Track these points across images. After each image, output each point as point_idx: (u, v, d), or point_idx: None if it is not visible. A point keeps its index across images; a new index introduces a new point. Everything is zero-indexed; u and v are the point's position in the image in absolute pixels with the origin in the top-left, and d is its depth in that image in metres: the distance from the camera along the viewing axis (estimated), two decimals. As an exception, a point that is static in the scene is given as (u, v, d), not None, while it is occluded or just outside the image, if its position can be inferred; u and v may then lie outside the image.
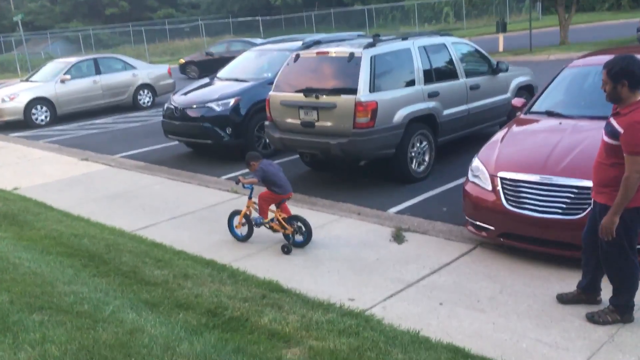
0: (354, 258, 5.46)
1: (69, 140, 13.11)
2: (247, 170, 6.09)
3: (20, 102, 15.20)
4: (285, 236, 5.77)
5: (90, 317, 3.93)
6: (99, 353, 3.40)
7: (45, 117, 15.58)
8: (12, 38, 43.36)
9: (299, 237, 5.77)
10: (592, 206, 4.10)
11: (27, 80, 16.89)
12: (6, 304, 4.08)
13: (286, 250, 5.66)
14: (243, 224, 6.00)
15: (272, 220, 5.85)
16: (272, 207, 5.96)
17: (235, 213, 6.08)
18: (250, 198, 6.01)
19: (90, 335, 3.61)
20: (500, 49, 23.67)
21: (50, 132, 14.47)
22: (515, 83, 9.42)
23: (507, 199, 5.04)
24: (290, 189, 5.94)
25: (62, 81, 15.86)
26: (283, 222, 5.70)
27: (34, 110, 15.37)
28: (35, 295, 4.28)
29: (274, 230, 5.83)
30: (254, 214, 5.97)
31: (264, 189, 5.97)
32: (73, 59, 17.16)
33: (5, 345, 3.48)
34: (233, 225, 6.07)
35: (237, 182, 5.98)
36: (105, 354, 3.40)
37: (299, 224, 5.72)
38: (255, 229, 5.99)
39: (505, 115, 9.21)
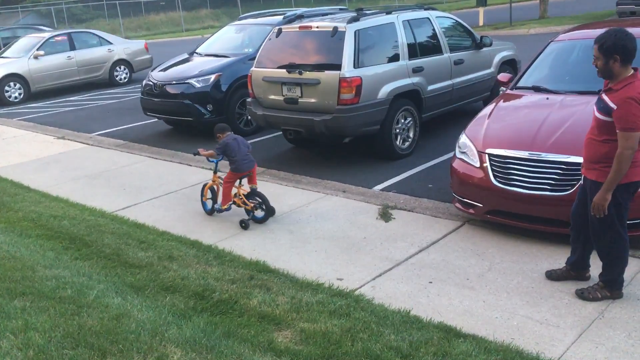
0: (341, 236, 5.40)
1: (44, 117, 12.78)
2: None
3: (-8, 79, 14.76)
4: (247, 212, 5.83)
5: (74, 302, 3.83)
6: (84, 340, 3.31)
7: (19, 94, 15.17)
8: (-19, 12, 42.05)
9: (259, 213, 5.82)
10: (581, 182, 4.07)
11: (-2, 56, 16.39)
12: (-15, 290, 3.96)
13: (244, 225, 5.72)
14: (209, 198, 6.15)
15: (235, 195, 5.90)
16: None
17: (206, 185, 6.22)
18: (215, 172, 6.11)
19: (74, 322, 3.51)
20: (481, 23, 23.59)
21: (25, 109, 14.10)
22: (498, 58, 9.36)
23: (495, 176, 5.00)
24: (248, 169, 5.85)
25: (36, 57, 15.42)
26: (244, 198, 5.79)
27: (6, 87, 14.95)
28: (16, 280, 4.16)
29: (238, 206, 5.88)
30: (218, 206, 6.04)
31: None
32: (46, 34, 16.66)
33: (-14, 334, 3.37)
34: (202, 197, 6.24)
35: (195, 154, 6.06)
36: (92, 340, 3.31)
37: (258, 199, 5.78)
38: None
39: (489, 91, 9.18)
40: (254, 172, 5.97)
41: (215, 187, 6.14)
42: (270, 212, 5.83)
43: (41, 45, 15.68)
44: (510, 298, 4.12)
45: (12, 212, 6.07)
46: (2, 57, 16.01)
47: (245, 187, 5.96)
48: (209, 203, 6.17)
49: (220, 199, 6.04)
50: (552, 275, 4.32)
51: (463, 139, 5.49)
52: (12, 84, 15.03)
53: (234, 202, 5.91)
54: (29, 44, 16.00)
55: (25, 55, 15.47)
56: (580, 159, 4.12)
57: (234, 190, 5.92)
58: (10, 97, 14.99)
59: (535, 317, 3.86)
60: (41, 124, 11.98)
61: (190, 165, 8.13)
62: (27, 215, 5.95)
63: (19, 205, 6.38)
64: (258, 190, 5.90)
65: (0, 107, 14.56)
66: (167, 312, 3.79)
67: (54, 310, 3.67)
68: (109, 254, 4.88)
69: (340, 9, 10.61)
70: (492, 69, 9.16)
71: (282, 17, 9.86)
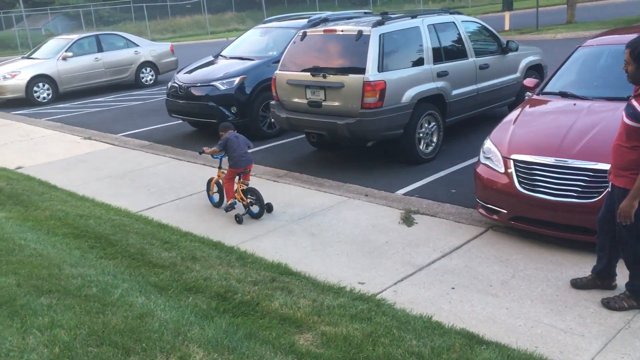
0: (362, 240, 5.40)
1: (72, 118, 13.00)
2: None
3: (22, 80, 15.08)
4: (244, 207, 6.14)
5: (99, 300, 3.88)
6: (109, 338, 3.35)
7: (47, 94, 15.45)
8: (12, 14, 42.94)
9: (255, 208, 6.12)
10: (609, 189, 4.01)
11: (28, 57, 16.72)
12: (13, 286, 4.03)
13: (238, 219, 6.03)
14: (216, 192, 6.53)
15: (235, 191, 6.20)
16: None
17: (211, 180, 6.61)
18: (219, 168, 6.52)
19: (99, 320, 3.56)
20: (506, 27, 23.37)
21: (53, 110, 14.36)
22: (524, 62, 9.27)
23: (520, 182, 4.95)
24: (245, 165, 6.15)
25: (64, 58, 15.70)
26: (241, 194, 6.13)
27: (35, 88, 15.25)
28: (43, 277, 4.23)
29: (239, 201, 6.18)
30: (224, 204, 6.33)
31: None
32: (74, 36, 16.96)
33: (14, 330, 3.44)
34: (209, 190, 6.61)
35: (201, 152, 6.41)
36: (116, 339, 3.35)
37: (253, 197, 6.11)
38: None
39: (514, 96, 9.10)
40: (249, 170, 6.29)
41: (220, 181, 6.42)
42: (267, 208, 6.17)
43: (69, 46, 15.96)
44: (534, 306, 4.07)
45: (40, 211, 6.18)
46: (31, 58, 16.34)
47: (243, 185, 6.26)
48: (216, 197, 6.54)
49: (225, 197, 6.32)
50: (578, 284, 4.26)
51: (487, 144, 5.44)
52: (40, 84, 15.32)
53: (235, 198, 6.19)
54: (57, 46, 16.31)
55: (53, 57, 15.76)
56: (607, 166, 4.06)
57: (235, 187, 6.22)
58: (39, 97, 15.28)
59: (560, 326, 3.81)
60: (68, 124, 12.19)
61: (214, 167, 8.18)
62: (55, 214, 6.05)
63: (46, 204, 6.49)
64: (252, 187, 6.23)
65: (29, 107, 14.85)
66: (189, 312, 3.82)
67: (80, 308, 3.73)
68: (134, 254, 4.94)
69: (365, 13, 10.62)
70: (517, 74, 9.07)
71: (306, 20, 9.90)
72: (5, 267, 4.40)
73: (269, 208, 6.20)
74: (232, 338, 3.48)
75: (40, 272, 4.33)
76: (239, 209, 6.18)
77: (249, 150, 6.22)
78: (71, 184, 7.68)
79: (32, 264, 4.50)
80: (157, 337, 3.41)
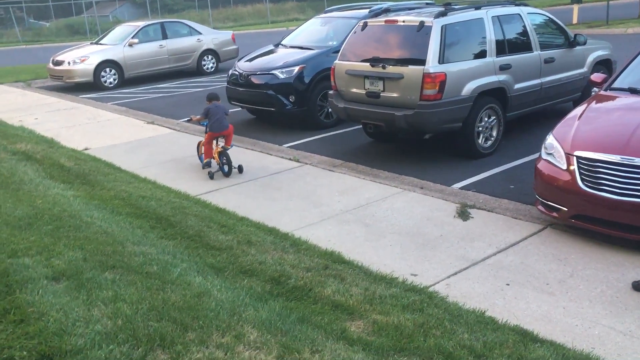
0: (416, 233, 5.38)
1: (136, 103, 13.43)
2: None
3: (91, 65, 15.65)
4: (218, 166, 7.35)
5: (159, 278, 4.03)
6: (168, 314, 3.48)
7: (114, 79, 15.99)
8: (82, 1, 44.57)
9: (225, 168, 7.29)
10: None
11: (96, 43, 17.33)
12: (80, 261, 4.24)
13: (210, 175, 7.27)
14: (203, 153, 7.65)
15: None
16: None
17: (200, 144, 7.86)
18: (206, 132, 7.58)
19: (159, 296, 3.70)
20: (574, 20, 22.58)
21: (118, 94, 14.87)
22: (592, 57, 8.95)
23: (582, 179, 4.81)
24: (222, 129, 7.36)
25: (130, 45, 16.19)
26: (216, 156, 7.38)
27: (103, 73, 15.80)
28: (107, 254, 4.42)
29: (216, 163, 7.39)
30: (201, 159, 7.66)
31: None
32: (141, 23, 17.44)
33: (80, 301, 3.62)
34: (198, 151, 7.89)
35: (189, 120, 8.02)
36: (175, 315, 3.48)
37: (225, 159, 7.29)
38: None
39: (580, 91, 8.82)
40: (230, 135, 7.47)
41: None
42: (238, 169, 7.40)
43: (136, 33, 16.46)
44: (592, 306, 3.97)
45: (105, 191, 6.44)
46: (99, 44, 16.93)
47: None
48: (204, 157, 7.61)
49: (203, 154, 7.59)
50: (639, 286, 4.13)
51: (550, 139, 5.31)
52: (107, 69, 15.87)
53: (212, 158, 7.42)
54: (124, 32, 16.83)
55: (120, 43, 16.28)
56: (677, 166, 3.90)
57: (213, 148, 7.47)
58: (105, 82, 15.84)
59: (619, 328, 3.70)
60: (133, 109, 12.61)
61: (271, 155, 8.32)
62: (119, 194, 6.29)
63: (111, 184, 6.76)
64: (227, 152, 7.35)
65: (96, 91, 15.42)
66: (244, 294, 3.92)
67: (141, 284, 3.89)
68: (192, 235, 5.09)
69: (427, 4, 10.47)
70: (584, 69, 8.77)
71: (367, 10, 9.86)
72: (73, 242, 4.63)
73: (239, 169, 7.39)
74: (285, 321, 3.55)
75: (105, 249, 4.52)
76: (214, 168, 7.41)
77: (227, 116, 7.41)
78: (134, 166, 7.96)
79: (98, 241, 4.71)
80: (214, 316, 3.52)
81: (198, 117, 7.57)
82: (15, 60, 25.58)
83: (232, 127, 7.53)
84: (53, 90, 16.04)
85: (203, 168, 7.51)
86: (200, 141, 7.81)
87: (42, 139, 9.61)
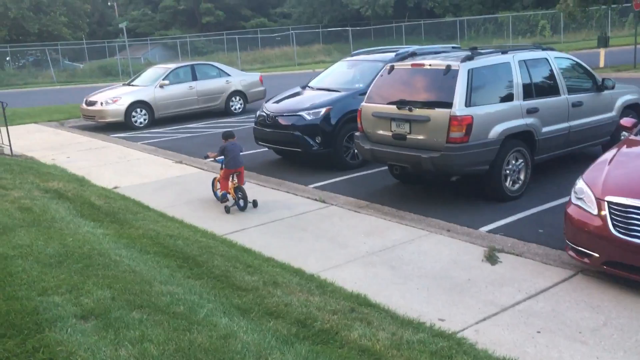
0: (443, 276, 5.31)
1: (165, 142, 13.69)
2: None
3: (122, 105, 16.05)
4: (234, 201, 7.67)
5: (186, 318, 4.03)
6: (194, 356, 3.47)
7: (144, 119, 16.35)
8: (115, 44, 46.08)
9: (241, 203, 7.60)
10: None
11: (128, 84, 17.82)
12: (108, 300, 4.27)
13: (226, 209, 7.59)
14: (219, 189, 7.97)
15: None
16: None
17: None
18: (222, 169, 7.89)
19: (186, 337, 3.70)
20: (601, 64, 22.54)
21: (148, 134, 15.18)
22: (621, 101, 8.90)
23: (614, 225, 4.73)
24: (238, 166, 7.70)
25: (161, 86, 16.60)
26: (232, 191, 7.73)
27: (134, 113, 16.18)
28: (135, 293, 4.44)
29: (232, 197, 7.72)
30: (217, 192, 8.04)
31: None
32: (172, 65, 17.92)
33: (107, 341, 3.63)
34: (213, 187, 8.24)
35: (205, 157, 8.35)
36: (201, 357, 3.46)
37: (240, 194, 7.62)
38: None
39: (609, 135, 8.74)
40: (242, 173, 7.82)
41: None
42: (253, 204, 7.68)
43: (167, 75, 16.90)
44: (627, 357, 3.85)
45: (134, 229, 6.52)
46: (131, 85, 17.41)
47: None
48: (219, 193, 7.94)
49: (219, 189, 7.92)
50: (677, 337, 4.00)
51: (580, 184, 5.25)
52: (138, 109, 16.25)
53: (228, 193, 7.73)
54: (156, 74, 17.30)
55: (151, 84, 16.71)
56: None
57: (229, 185, 7.78)
58: (136, 122, 16.20)
59: (656, 381, 3.58)
60: (162, 148, 12.84)
61: (297, 195, 8.35)
62: (147, 233, 6.36)
63: (139, 223, 6.84)
64: (241, 187, 7.70)
65: (127, 130, 15.77)
66: (270, 336, 3.89)
67: (168, 325, 3.89)
68: (218, 275, 5.10)
69: (453, 47, 10.59)
70: (613, 113, 8.72)
71: (394, 54, 10.00)
72: (102, 280, 4.67)
73: (254, 204, 7.68)
74: (312, 365, 3.51)
75: (133, 288, 4.55)
76: (230, 202, 7.69)
77: (242, 153, 7.78)
78: (162, 204, 8.06)
79: (126, 280, 4.74)
80: (240, 359, 3.49)
81: (215, 153, 7.89)
82: (50, 100, 26.35)
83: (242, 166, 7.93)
84: (85, 129, 16.46)
85: (220, 202, 7.78)
86: (216, 177, 8.16)
87: (74, 177, 9.81)
